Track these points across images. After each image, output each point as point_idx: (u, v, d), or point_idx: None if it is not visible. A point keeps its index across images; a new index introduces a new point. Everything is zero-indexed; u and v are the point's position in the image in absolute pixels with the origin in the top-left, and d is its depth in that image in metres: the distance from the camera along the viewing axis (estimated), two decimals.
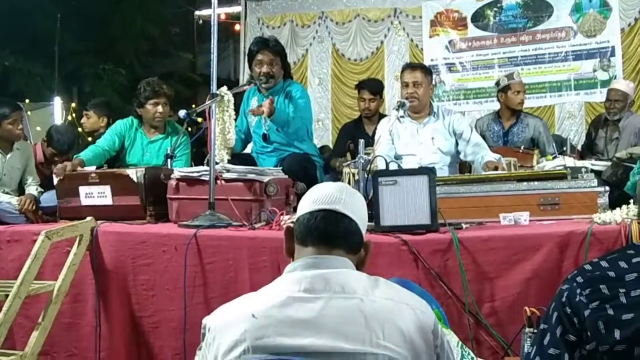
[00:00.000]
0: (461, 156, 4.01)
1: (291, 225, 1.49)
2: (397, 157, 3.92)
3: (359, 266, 1.46)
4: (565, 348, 1.24)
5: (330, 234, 1.42)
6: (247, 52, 4.25)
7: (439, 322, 2.08)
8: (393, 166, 3.30)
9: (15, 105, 4.21)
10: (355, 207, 1.47)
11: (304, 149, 4.04)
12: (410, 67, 4.12)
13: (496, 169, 3.59)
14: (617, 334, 1.19)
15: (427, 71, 4.07)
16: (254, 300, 1.37)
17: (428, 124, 3.98)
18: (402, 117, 3.91)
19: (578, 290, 1.25)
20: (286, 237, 1.49)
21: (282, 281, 1.39)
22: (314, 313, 1.31)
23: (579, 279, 1.26)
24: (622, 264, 1.25)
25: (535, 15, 6.74)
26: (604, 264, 1.27)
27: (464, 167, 4.33)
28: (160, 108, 4.15)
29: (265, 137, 4.02)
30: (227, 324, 1.34)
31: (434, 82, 4.66)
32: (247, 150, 4.34)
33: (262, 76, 3.91)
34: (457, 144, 3.97)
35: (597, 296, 1.22)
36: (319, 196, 1.46)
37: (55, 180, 3.60)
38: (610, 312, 1.20)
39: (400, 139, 3.98)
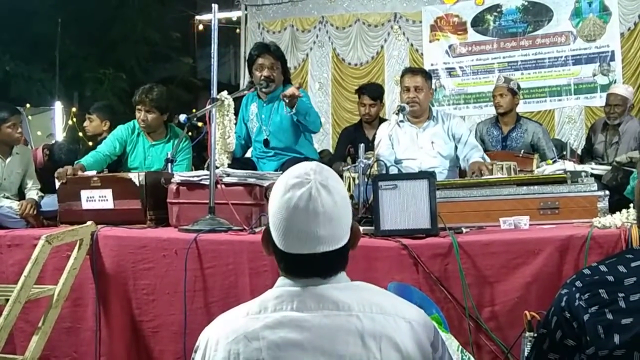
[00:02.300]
0: (460, 161, 4.00)
1: (267, 230, 1.36)
2: (397, 162, 3.92)
3: (350, 249, 1.37)
4: (564, 352, 1.24)
5: (314, 275, 1.32)
6: (247, 56, 4.25)
7: (439, 327, 2.09)
8: (393, 170, 3.31)
9: (14, 109, 4.22)
10: (336, 224, 1.31)
11: (304, 153, 4.04)
12: (410, 71, 4.13)
13: (480, 170, 3.59)
14: (616, 338, 1.19)
15: (427, 76, 4.09)
16: (247, 319, 1.31)
17: (427, 128, 3.99)
18: (401, 121, 3.92)
19: (577, 295, 1.25)
20: (264, 244, 1.39)
21: (273, 296, 1.33)
22: (308, 334, 1.26)
23: (578, 284, 1.26)
24: (621, 268, 1.25)
25: (535, 20, 6.76)
26: (603, 268, 1.27)
27: (464, 171, 4.33)
28: (142, 115, 4.18)
29: (266, 143, 4.02)
30: (221, 344, 1.30)
31: (433, 87, 4.64)
32: (247, 154, 4.34)
33: (263, 80, 3.91)
34: (456, 148, 3.97)
35: (596, 300, 1.22)
36: (290, 228, 1.29)
37: (58, 184, 3.61)
38: (610, 316, 1.20)
39: (400, 144, 3.98)
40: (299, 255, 1.30)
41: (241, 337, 1.28)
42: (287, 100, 3.67)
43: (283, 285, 1.34)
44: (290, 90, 3.65)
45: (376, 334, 1.26)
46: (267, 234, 1.37)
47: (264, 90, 3.95)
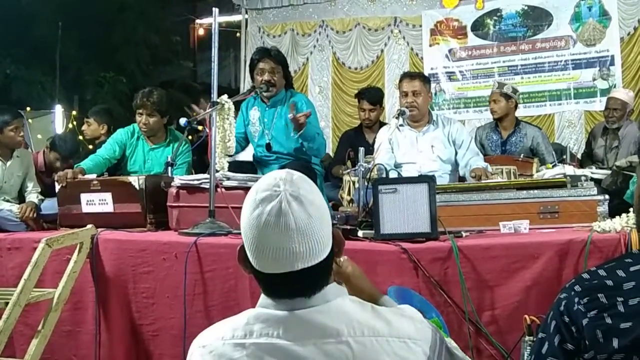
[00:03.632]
0: (460, 168, 3.99)
1: (242, 248, 1.29)
2: (397, 166, 3.93)
3: (335, 256, 1.30)
4: (563, 357, 1.24)
5: (297, 295, 1.23)
6: (248, 60, 4.24)
7: (439, 330, 2.08)
8: (393, 175, 3.31)
9: (17, 112, 4.24)
10: (312, 237, 1.21)
11: (306, 157, 4.04)
12: (409, 76, 4.13)
13: (480, 177, 3.60)
14: (615, 343, 1.19)
15: (426, 80, 4.09)
16: (233, 344, 1.23)
17: (427, 132, 3.99)
18: (401, 125, 3.92)
19: (576, 299, 1.25)
20: (241, 264, 1.30)
21: (259, 319, 1.24)
22: None
23: (577, 288, 1.26)
24: (620, 273, 1.25)
25: (535, 24, 6.77)
26: (602, 272, 1.27)
27: (463, 177, 4.32)
28: (143, 119, 4.17)
29: (268, 147, 4.02)
30: None
31: (433, 91, 4.57)
32: (249, 158, 4.34)
33: (263, 84, 3.91)
34: (456, 153, 3.97)
35: (595, 305, 1.22)
36: (262, 247, 1.21)
37: (57, 187, 3.61)
38: (609, 320, 1.20)
39: (400, 148, 3.99)
40: (276, 275, 1.21)
41: None
42: (295, 124, 3.60)
43: (267, 305, 1.26)
44: (301, 116, 3.55)
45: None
46: (242, 252, 1.28)
47: (265, 94, 3.95)
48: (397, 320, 1.27)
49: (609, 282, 1.24)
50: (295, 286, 1.23)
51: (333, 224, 1.33)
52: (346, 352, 1.19)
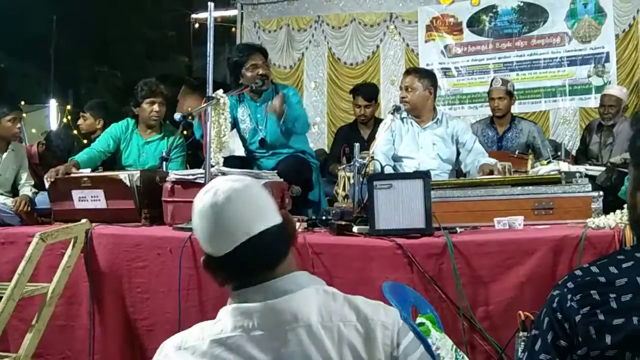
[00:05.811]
0: (462, 166, 3.97)
1: (204, 258, 1.38)
2: (397, 159, 3.92)
3: (291, 241, 1.37)
4: (556, 354, 1.24)
5: (259, 267, 1.32)
6: (233, 60, 3.97)
7: (433, 326, 2.09)
8: (388, 170, 3.32)
9: (15, 105, 4.23)
10: (249, 206, 1.32)
11: (300, 147, 4.04)
12: (406, 71, 4.14)
13: (491, 172, 3.58)
14: (608, 339, 1.19)
15: (423, 75, 4.02)
16: (208, 340, 1.28)
17: (429, 129, 3.96)
18: (404, 118, 3.93)
19: (569, 296, 1.25)
20: (211, 273, 1.39)
21: (232, 314, 1.29)
22: (271, 354, 1.25)
23: (570, 285, 1.27)
24: (613, 269, 1.25)
25: (531, 21, 6.76)
26: (594, 269, 1.27)
27: (460, 173, 4.32)
28: (156, 107, 4.17)
29: (262, 143, 4.01)
30: None
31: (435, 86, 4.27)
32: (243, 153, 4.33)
33: (259, 79, 3.90)
34: (458, 153, 3.95)
35: (588, 301, 1.22)
36: (210, 229, 1.33)
37: (47, 184, 3.60)
38: (601, 317, 1.20)
39: (402, 140, 3.97)
40: (234, 253, 1.31)
41: None
42: (276, 113, 3.70)
43: (238, 298, 1.31)
44: (276, 103, 3.68)
45: (335, 344, 1.25)
46: (205, 261, 1.38)
47: (261, 88, 3.94)
48: (367, 307, 1.32)
49: (602, 279, 1.24)
50: (254, 257, 1.31)
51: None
52: (316, 336, 1.25)
